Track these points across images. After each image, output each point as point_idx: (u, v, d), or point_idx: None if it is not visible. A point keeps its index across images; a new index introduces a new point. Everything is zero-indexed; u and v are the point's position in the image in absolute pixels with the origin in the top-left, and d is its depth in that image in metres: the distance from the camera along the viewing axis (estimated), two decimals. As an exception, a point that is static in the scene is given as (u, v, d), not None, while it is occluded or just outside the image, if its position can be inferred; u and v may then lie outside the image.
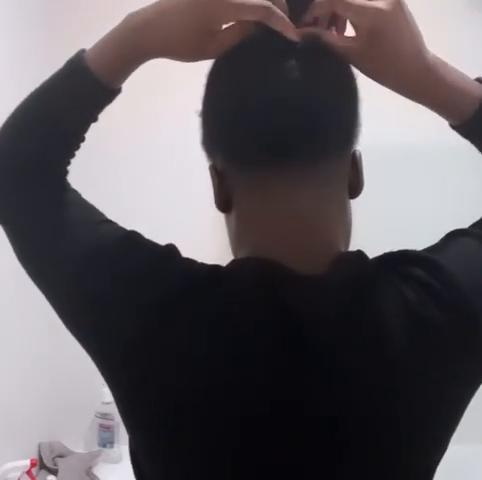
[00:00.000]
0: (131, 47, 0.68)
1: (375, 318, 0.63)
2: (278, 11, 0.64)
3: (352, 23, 0.67)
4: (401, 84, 0.69)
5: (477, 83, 0.71)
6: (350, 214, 0.72)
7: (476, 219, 0.74)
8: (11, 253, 0.75)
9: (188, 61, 0.69)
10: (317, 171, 0.67)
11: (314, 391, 0.63)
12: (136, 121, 1.96)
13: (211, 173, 0.72)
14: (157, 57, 0.69)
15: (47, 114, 0.71)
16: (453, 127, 0.74)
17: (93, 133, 0.76)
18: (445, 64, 0.69)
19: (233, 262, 0.68)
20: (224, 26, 0.67)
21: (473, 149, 0.76)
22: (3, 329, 1.72)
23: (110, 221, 0.73)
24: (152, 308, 0.64)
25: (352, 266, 0.66)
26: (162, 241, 0.72)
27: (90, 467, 1.92)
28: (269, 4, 0.64)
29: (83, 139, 0.74)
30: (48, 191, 0.71)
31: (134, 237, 0.71)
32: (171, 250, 0.69)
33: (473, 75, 0.73)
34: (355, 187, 0.71)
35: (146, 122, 2.00)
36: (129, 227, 0.73)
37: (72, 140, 0.73)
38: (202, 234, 1.77)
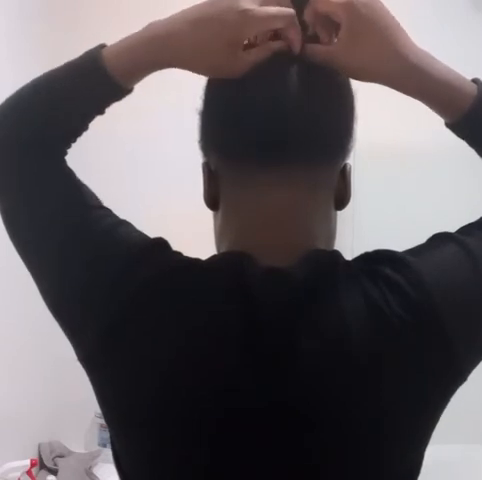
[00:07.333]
0: (151, 56, 0.68)
1: (335, 315, 0.64)
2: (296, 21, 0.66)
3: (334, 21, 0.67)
4: (387, 80, 0.70)
5: (469, 81, 0.71)
6: (334, 223, 0.74)
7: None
8: (9, 251, 0.74)
9: (206, 75, 0.70)
10: (299, 175, 0.69)
11: (268, 391, 0.64)
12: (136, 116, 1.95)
13: (203, 170, 0.74)
14: (174, 67, 0.69)
15: (55, 97, 0.72)
16: (448, 126, 0.74)
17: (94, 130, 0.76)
18: (432, 60, 0.69)
19: (212, 256, 0.70)
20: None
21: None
22: (3, 329, 1.72)
23: (105, 208, 0.74)
24: (126, 294, 0.66)
25: (320, 262, 0.67)
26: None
27: (90, 467, 1.93)
28: (292, 12, 0.66)
29: (86, 128, 0.74)
30: (48, 163, 0.72)
31: (124, 227, 0.72)
32: (157, 242, 0.71)
33: (475, 75, 0.72)
34: (342, 199, 0.73)
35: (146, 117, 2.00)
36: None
37: (76, 125, 0.74)
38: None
